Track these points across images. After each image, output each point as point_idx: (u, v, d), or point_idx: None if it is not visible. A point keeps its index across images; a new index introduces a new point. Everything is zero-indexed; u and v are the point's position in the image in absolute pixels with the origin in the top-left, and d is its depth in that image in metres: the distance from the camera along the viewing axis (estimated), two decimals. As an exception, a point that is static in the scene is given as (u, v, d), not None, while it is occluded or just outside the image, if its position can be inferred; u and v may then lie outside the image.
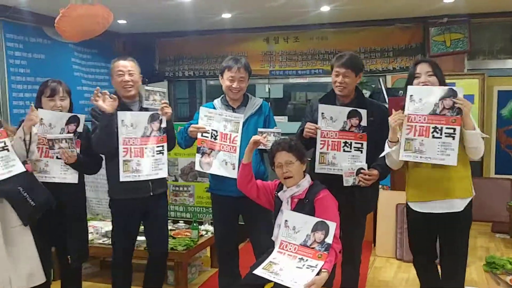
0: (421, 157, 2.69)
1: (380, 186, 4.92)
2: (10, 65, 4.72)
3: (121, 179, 2.99)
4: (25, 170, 2.72)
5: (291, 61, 6.07)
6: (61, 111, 2.97)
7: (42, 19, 4.86)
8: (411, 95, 2.73)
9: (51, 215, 2.92)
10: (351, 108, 2.93)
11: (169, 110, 3.08)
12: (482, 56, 5.57)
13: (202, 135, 3.12)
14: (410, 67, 2.90)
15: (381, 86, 5.38)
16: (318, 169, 2.94)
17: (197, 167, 3.15)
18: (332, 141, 2.94)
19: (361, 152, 2.93)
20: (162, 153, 3.09)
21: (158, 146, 3.08)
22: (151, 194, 3.10)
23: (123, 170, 2.99)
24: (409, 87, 2.77)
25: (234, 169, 3.04)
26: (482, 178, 5.54)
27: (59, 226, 3.00)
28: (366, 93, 5.61)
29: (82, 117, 3.02)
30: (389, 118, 2.75)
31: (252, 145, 2.84)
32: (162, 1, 4.45)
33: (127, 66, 3.09)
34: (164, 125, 3.08)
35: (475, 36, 5.45)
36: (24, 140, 2.71)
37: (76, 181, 3.00)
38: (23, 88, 4.81)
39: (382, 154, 2.84)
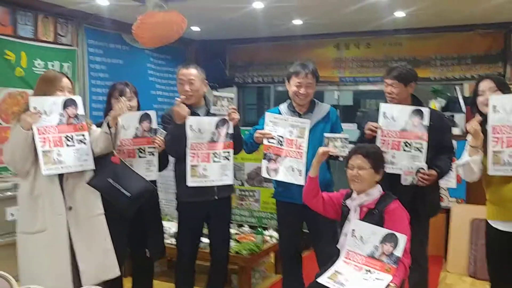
0: None
1: (454, 199, 4.77)
2: (91, 70, 4.98)
3: (189, 184, 3.02)
4: (93, 168, 2.76)
5: (362, 67, 5.94)
6: (130, 110, 3.01)
7: (121, 26, 5.08)
8: (494, 106, 2.62)
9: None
10: (413, 107, 2.95)
11: (236, 115, 3.08)
12: None
13: (268, 141, 3.11)
14: (474, 87, 2.85)
15: (457, 94, 5.14)
16: None
17: (264, 174, 3.14)
18: (392, 140, 2.95)
19: (421, 152, 2.92)
20: (228, 159, 3.09)
21: (224, 152, 3.08)
22: (216, 197, 3.13)
23: (190, 175, 3.03)
24: (491, 96, 2.66)
25: (301, 175, 3.02)
26: None
27: (137, 225, 3.09)
28: (441, 102, 5.38)
29: (153, 114, 3.08)
30: (466, 125, 2.72)
31: (320, 156, 2.79)
32: (234, 9, 4.52)
33: (187, 75, 3.10)
34: (231, 131, 3.09)
35: None
36: (110, 133, 2.74)
37: (156, 178, 3.10)
38: (102, 92, 5.06)
39: (459, 163, 2.79)
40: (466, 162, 2.72)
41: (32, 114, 2.62)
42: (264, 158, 3.13)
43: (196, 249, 3.28)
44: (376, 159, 2.67)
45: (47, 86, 2.71)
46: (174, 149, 3.07)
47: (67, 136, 2.71)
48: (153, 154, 3.08)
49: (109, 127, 2.74)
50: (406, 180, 2.90)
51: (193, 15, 4.62)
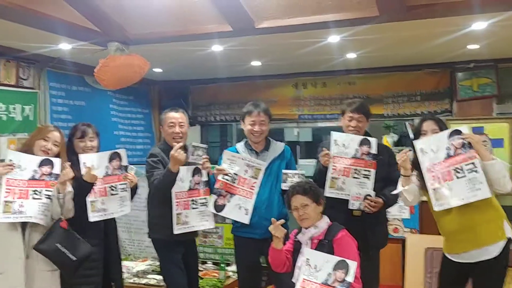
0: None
1: (408, 229, 4.96)
2: (53, 112, 5.01)
3: (175, 232, 3.15)
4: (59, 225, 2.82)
5: (320, 105, 6.18)
6: (91, 150, 3.13)
7: (84, 68, 5.17)
8: (421, 148, 2.82)
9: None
10: (362, 137, 3.10)
11: (209, 165, 3.26)
12: (511, 100, 5.54)
13: (223, 177, 3.23)
14: (417, 124, 3.04)
15: (407, 130, 5.42)
16: (327, 192, 3.04)
17: (210, 208, 3.25)
18: (344, 167, 3.05)
19: (369, 179, 3.05)
20: (206, 205, 3.25)
21: (201, 199, 3.25)
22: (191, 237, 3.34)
23: (176, 223, 3.16)
24: (415, 142, 2.87)
25: (247, 214, 3.16)
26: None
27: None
28: (394, 137, 5.65)
29: (122, 152, 3.18)
30: (397, 156, 2.90)
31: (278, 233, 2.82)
32: (195, 52, 4.68)
33: (178, 118, 3.29)
34: (205, 178, 3.26)
35: (503, 80, 5.43)
36: (58, 198, 2.82)
37: (129, 211, 3.20)
38: (64, 133, 5.08)
39: (395, 192, 2.96)
40: (400, 192, 2.90)
41: (6, 166, 2.74)
42: (214, 193, 3.26)
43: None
44: (314, 193, 2.81)
45: (36, 133, 2.92)
46: (163, 192, 3.17)
47: (36, 190, 2.80)
48: (125, 190, 3.18)
49: (58, 193, 2.82)
50: (353, 205, 3.04)
51: (155, 58, 4.75)
